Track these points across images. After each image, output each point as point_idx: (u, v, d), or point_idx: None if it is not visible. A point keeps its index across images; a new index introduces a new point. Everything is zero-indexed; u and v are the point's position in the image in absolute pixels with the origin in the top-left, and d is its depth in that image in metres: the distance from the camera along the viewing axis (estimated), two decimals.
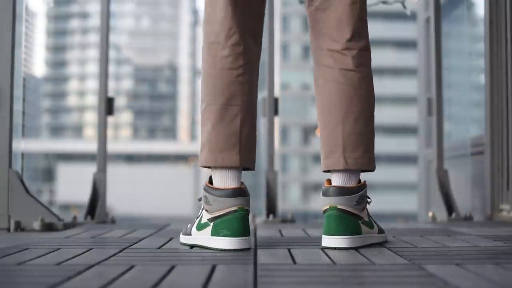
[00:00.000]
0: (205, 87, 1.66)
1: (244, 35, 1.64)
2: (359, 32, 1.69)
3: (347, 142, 1.64)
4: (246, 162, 1.63)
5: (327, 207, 1.60)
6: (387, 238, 1.77)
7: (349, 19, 1.66)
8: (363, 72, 1.67)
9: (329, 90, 1.67)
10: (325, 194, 1.62)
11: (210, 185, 1.63)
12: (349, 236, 1.58)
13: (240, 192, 1.58)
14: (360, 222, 1.62)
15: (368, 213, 1.68)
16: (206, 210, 1.63)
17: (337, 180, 1.66)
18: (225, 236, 1.56)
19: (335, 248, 1.57)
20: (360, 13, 1.69)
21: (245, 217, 1.57)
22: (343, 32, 1.66)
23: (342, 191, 1.60)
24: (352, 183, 1.65)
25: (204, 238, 1.61)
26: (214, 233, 1.58)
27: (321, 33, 1.69)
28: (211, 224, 1.59)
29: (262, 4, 1.70)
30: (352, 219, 1.60)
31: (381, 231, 1.72)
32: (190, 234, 1.67)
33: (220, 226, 1.57)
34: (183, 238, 1.71)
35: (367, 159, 1.67)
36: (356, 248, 1.58)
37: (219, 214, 1.58)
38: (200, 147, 1.67)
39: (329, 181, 1.67)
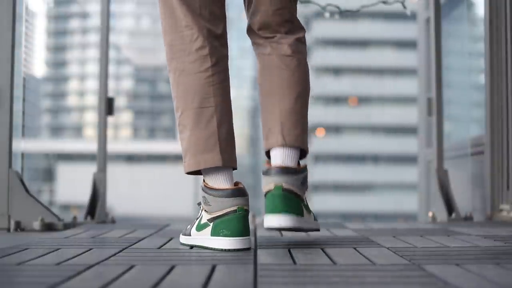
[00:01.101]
0: (177, 95, 1.67)
1: (208, 38, 1.66)
2: (292, 31, 1.74)
3: (285, 121, 1.67)
4: (228, 161, 1.64)
5: (272, 186, 1.59)
6: (319, 227, 1.78)
7: (280, 22, 1.72)
8: (300, 59, 1.72)
9: (269, 74, 1.72)
10: (269, 173, 1.62)
11: (209, 186, 1.63)
12: (294, 215, 1.59)
13: (239, 192, 1.58)
14: (302, 204, 1.63)
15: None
16: (205, 210, 1.63)
17: (278, 158, 1.66)
18: (225, 236, 1.56)
19: (278, 229, 1.58)
20: (290, 16, 1.74)
21: (245, 217, 1.57)
22: (277, 32, 1.73)
23: (287, 171, 1.61)
24: (293, 163, 1.66)
25: (204, 238, 1.61)
26: (214, 233, 1.58)
27: (257, 33, 1.76)
28: (211, 224, 1.60)
29: (222, 7, 1.72)
30: (296, 200, 1.61)
31: (315, 218, 1.74)
32: (190, 235, 1.67)
33: (220, 226, 1.57)
34: (183, 239, 1.71)
35: (305, 139, 1.70)
36: (298, 230, 1.58)
37: (218, 214, 1.58)
38: (182, 155, 1.67)
39: (269, 163, 1.68)
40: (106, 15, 3.02)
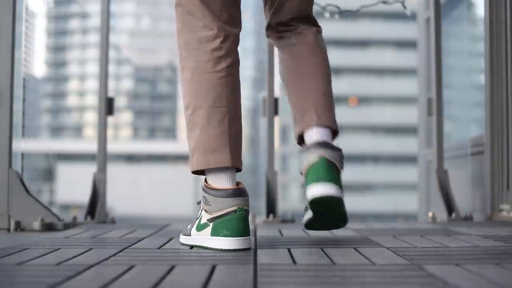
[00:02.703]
0: (189, 92, 1.67)
1: (226, 40, 1.68)
2: (313, 20, 1.87)
3: (318, 103, 1.75)
4: (236, 162, 1.64)
5: (316, 157, 1.64)
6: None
7: (298, 21, 1.83)
8: (322, 49, 1.83)
9: (297, 63, 1.81)
10: (309, 149, 1.68)
11: (209, 186, 1.63)
12: (338, 187, 1.63)
13: (240, 192, 1.58)
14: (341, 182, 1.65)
15: None
16: (205, 210, 1.63)
17: (315, 136, 1.72)
18: (225, 236, 1.56)
19: (320, 199, 1.60)
20: (308, 17, 1.86)
21: (245, 217, 1.57)
22: (302, 19, 1.84)
23: (328, 145, 1.68)
24: (330, 141, 1.72)
25: (204, 238, 1.61)
26: (214, 233, 1.58)
27: (276, 29, 1.84)
28: (211, 224, 1.60)
29: (239, 10, 1.75)
30: (338, 173, 1.65)
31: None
32: (190, 235, 1.67)
33: (220, 226, 1.57)
34: (183, 239, 1.71)
35: (335, 121, 1.78)
36: (339, 202, 1.62)
37: (218, 214, 1.58)
38: (190, 153, 1.67)
39: (304, 145, 1.74)
40: (106, 15, 3.02)
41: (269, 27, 1.89)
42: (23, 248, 1.60)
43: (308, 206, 1.69)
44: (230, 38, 1.69)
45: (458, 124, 4.30)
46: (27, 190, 2.39)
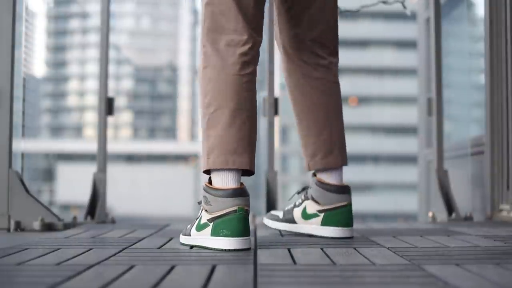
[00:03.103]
0: (212, 91, 1.67)
1: (253, 48, 1.70)
2: (336, 49, 1.96)
3: (340, 143, 1.93)
4: (252, 165, 1.67)
5: (345, 203, 1.87)
6: None
7: (333, 36, 1.94)
8: (338, 83, 1.96)
9: (321, 99, 1.93)
10: (338, 191, 1.87)
11: (210, 185, 1.63)
12: (352, 227, 1.90)
13: (240, 192, 1.58)
14: None
15: None
16: (205, 210, 1.63)
17: (338, 177, 1.91)
18: (225, 236, 1.56)
19: (343, 238, 1.84)
20: (338, 31, 1.96)
21: (245, 217, 1.57)
22: (327, 49, 1.93)
23: (349, 190, 1.90)
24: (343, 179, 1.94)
25: (204, 238, 1.61)
26: (214, 233, 1.58)
27: (311, 49, 1.92)
28: (211, 224, 1.60)
29: (263, 18, 1.78)
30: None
31: None
32: (190, 235, 1.67)
33: (220, 226, 1.57)
34: (183, 239, 1.71)
35: (346, 157, 1.97)
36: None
37: (219, 214, 1.58)
38: (206, 150, 1.66)
39: (320, 178, 1.91)
40: (106, 15, 3.02)
41: (299, 45, 1.91)
42: (23, 248, 1.60)
43: (313, 235, 1.91)
44: (256, 46, 1.71)
45: (458, 124, 4.30)
46: (27, 190, 2.39)
